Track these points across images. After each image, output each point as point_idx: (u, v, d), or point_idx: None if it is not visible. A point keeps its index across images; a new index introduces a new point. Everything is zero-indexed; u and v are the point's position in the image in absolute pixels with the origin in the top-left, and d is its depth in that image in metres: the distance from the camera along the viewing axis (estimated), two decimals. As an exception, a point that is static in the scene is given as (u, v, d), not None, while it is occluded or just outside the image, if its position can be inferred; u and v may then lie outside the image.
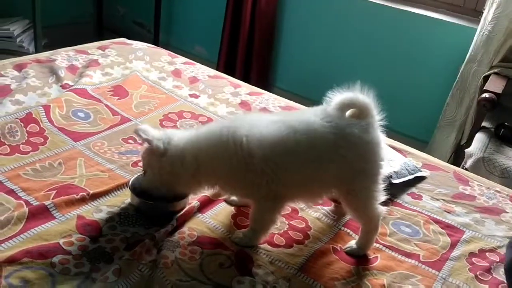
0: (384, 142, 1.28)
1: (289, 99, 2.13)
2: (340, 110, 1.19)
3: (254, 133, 1.17)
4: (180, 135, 1.26)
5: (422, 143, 2.87)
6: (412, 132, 3.00)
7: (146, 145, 1.25)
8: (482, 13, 2.72)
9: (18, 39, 3.35)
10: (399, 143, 1.85)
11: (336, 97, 1.20)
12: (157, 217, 1.28)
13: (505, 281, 1.22)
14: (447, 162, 2.20)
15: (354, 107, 1.20)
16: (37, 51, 3.15)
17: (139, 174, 1.37)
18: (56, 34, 3.45)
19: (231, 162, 1.17)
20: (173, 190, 1.28)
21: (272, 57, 3.57)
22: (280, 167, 1.16)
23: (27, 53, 3.13)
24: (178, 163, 1.21)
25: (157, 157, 1.22)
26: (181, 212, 1.30)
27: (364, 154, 1.21)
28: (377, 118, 1.23)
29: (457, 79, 2.72)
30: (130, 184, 1.34)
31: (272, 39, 3.50)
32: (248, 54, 3.52)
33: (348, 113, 1.21)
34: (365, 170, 1.22)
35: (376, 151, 1.23)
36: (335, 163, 1.18)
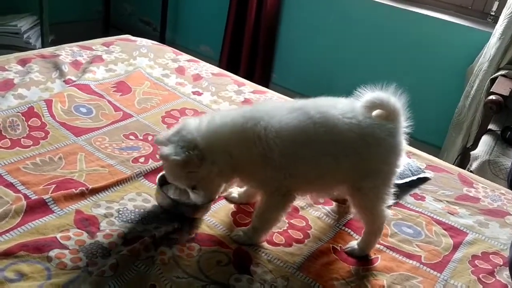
0: (405, 149, 1.26)
1: (292, 97, 2.11)
2: (368, 109, 1.17)
3: (273, 124, 1.15)
4: (200, 129, 1.18)
5: (434, 147, 2.84)
6: (423, 137, 2.97)
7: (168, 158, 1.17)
8: (492, 15, 2.69)
9: (25, 35, 3.36)
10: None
11: (367, 95, 1.18)
12: (182, 217, 1.27)
13: (510, 279, 1.20)
14: (453, 164, 2.18)
15: (383, 109, 1.18)
16: (43, 47, 3.15)
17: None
18: (63, 31, 3.45)
19: (251, 155, 1.15)
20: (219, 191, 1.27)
21: (275, 56, 3.56)
22: (297, 160, 1.15)
23: (33, 49, 3.13)
24: (209, 163, 1.16)
25: (197, 166, 1.15)
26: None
27: (382, 156, 1.20)
28: (403, 123, 1.21)
29: (465, 81, 2.69)
30: (158, 180, 1.30)
31: (275, 39, 3.50)
32: (252, 53, 3.52)
33: (375, 113, 1.19)
34: (379, 171, 1.20)
35: (395, 155, 1.21)
36: (349, 159, 1.17)
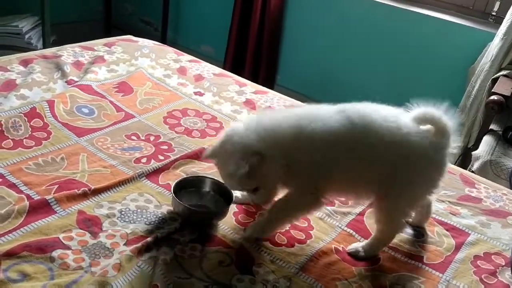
0: (446, 171, 1.25)
1: (295, 99, 2.12)
2: (417, 121, 1.18)
3: (316, 128, 1.16)
4: (251, 132, 1.18)
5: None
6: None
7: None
8: (493, 15, 2.69)
9: (26, 36, 3.36)
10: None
11: (420, 109, 1.19)
12: (199, 224, 1.27)
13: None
14: (455, 164, 2.18)
15: (433, 125, 1.18)
16: (45, 48, 3.15)
17: (183, 177, 1.35)
18: (64, 32, 3.45)
19: (301, 156, 1.17)
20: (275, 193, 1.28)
21: (279, 58, 3.56)
22: (335, 163, 1.17)
23: (35, 50, 3.13)
24: (273, 161, 1.16)
25: (259, 169, 1.15)
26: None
27: (422, 170, 1.19)
28: (451, 143, 1.21)
29: (466, 81, 2.69)
30: (173, 188, 1.28)
31: (279, 41, 3.50)
32: (256, 55, 3.52)
33: (424, 127, 1.19)
34: (415, 184, 1.20)
35: (437, 172, 1.22)
36: (384, 167, 1.17)
